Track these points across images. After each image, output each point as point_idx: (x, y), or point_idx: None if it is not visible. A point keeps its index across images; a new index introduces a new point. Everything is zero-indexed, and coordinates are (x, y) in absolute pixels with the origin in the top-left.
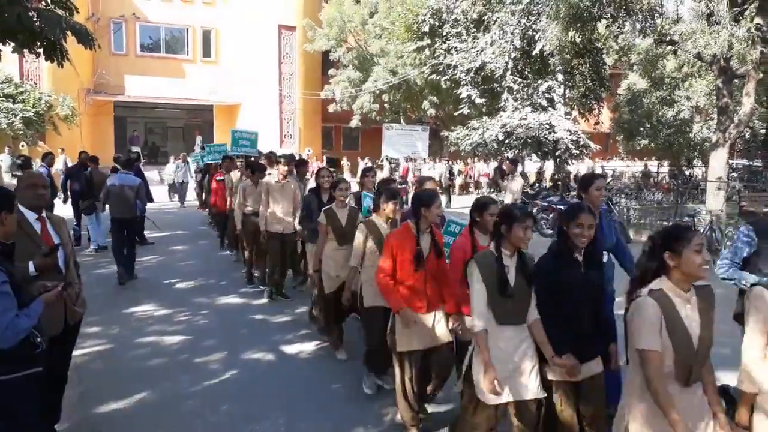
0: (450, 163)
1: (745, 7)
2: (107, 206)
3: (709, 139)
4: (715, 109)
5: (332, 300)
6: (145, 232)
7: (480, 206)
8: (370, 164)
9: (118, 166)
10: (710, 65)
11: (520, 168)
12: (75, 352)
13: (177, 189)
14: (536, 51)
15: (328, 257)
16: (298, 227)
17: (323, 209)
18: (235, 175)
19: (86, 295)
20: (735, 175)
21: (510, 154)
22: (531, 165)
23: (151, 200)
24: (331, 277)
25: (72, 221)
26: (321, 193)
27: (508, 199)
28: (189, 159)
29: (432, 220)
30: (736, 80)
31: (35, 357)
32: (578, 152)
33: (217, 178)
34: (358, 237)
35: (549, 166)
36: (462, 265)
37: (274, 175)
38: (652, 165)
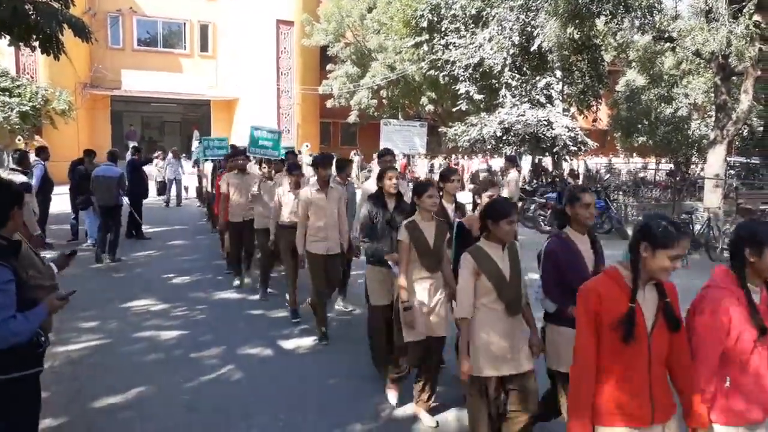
0: (447, 159)
1: (743, 3)
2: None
3: (707, 136)
4: (713, 107)
5: (418, 351)
6: (144, 227)
7: (418, 190)
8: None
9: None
10: (708, 62)
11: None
12: (71, 347)
13: (167, 187)
14: (535, 47)
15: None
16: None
17: (405, 223)
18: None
19: (83, 289)
20: (732, 172)
21: (508, 151)
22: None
23: (144, 195)
24: (414, 322)
25: (70, 215)
26: (386, 200)
27: (504, 194)
28: (193, 155)
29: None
30: (734, 77)
31: (38, 357)
32: (576, 149)
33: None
34: (463, 274)
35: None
36: None
37: (312, 182)
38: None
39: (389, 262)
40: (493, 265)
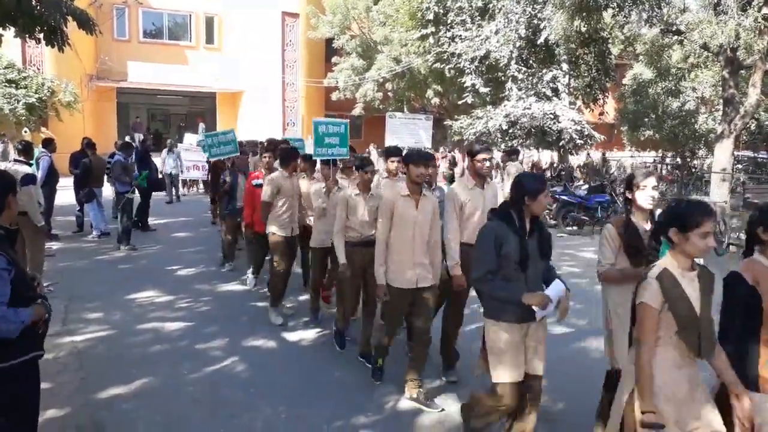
0: (452, 152)
1: None
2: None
3: (715, 130)
4: (721, 100)
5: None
6: (150, 219)
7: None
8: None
9: (117, 152)
10: (717, 56)
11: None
12: (77, 338)
13: (171, 182)
14: (541, 40)
15: None
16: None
17: (656, 273)
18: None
19: (88, 280)
20: (740, 166)
21: (514, 144)
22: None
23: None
24: None
25: (74, 207)
26: (524, 214)
27: (507, 187)
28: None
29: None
30: (742, 71)
31: (38, 340)
32: (582, 142)
33: (256, 182)
34: None
35: (545, 157)
36: None
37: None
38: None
39: (534, 308)
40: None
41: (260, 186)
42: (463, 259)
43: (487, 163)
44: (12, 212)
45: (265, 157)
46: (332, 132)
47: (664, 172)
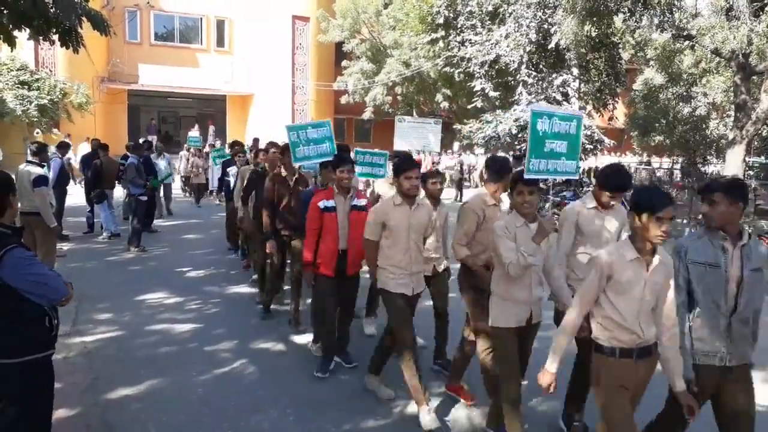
0: (461, 156)
1: (765, 1)
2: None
3: (726, 136)
4: (733, 106)
5: None
6: (156, 222)
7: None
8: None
9: (129, 154)
10: (728, 61)
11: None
12: (87, 338)
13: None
14: (552, 44)
15: None
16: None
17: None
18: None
19: (99, 281)
20: (751, 173)
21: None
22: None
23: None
24: None
25: (85, 208)
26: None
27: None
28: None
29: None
30: (754, 77)
31: (51, 340)
32: (592, 147)
33: (326, 204)
34: None
35: None
36: None
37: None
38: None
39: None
40: None
41: (331, 212)
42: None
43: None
44: (14, 211)
45: (274, 152)
46: (375, 160)
47: (677, 178)
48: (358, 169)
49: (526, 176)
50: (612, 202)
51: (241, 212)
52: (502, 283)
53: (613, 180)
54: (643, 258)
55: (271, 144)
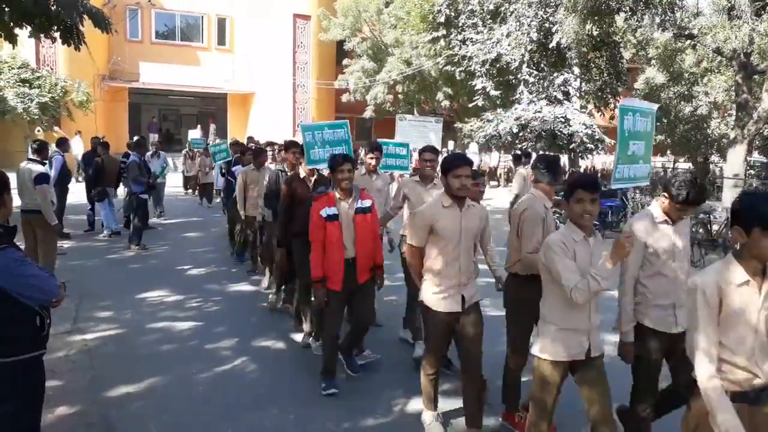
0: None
1: (767, 1)
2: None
3: (727, 135)
4: (734, 105)
5: None
6: (152, 220)
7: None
8: None
9: (130, 152)
10: (730, 60)
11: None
12: (87, 336)
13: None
14: (553, 43)
15: None
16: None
17: None
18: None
19: (99, 279)
20: (752, 172)
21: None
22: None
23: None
24: None
25: (86, 206)
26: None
27: (515, 189)
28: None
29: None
30: (756, 76)
31: (42, 339)
32: (593, 146)
33: (327, 213)
34: None
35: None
36: None
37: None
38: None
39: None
40: None
41: (365, 211)
42: None
43: None
44: (7, 210)
45: (289, 153)
46: (398, 153)
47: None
48: (382, 162)
49: (613, 185)
50: (683, 216)
51: (262, 214)
52: (556, 309)
53: (689, 193)
54: (755, 280)
55: (292, 143)
